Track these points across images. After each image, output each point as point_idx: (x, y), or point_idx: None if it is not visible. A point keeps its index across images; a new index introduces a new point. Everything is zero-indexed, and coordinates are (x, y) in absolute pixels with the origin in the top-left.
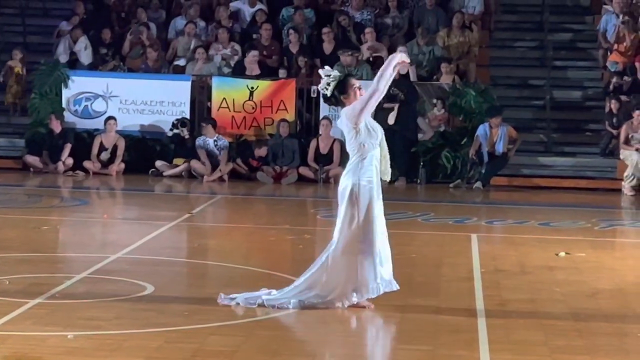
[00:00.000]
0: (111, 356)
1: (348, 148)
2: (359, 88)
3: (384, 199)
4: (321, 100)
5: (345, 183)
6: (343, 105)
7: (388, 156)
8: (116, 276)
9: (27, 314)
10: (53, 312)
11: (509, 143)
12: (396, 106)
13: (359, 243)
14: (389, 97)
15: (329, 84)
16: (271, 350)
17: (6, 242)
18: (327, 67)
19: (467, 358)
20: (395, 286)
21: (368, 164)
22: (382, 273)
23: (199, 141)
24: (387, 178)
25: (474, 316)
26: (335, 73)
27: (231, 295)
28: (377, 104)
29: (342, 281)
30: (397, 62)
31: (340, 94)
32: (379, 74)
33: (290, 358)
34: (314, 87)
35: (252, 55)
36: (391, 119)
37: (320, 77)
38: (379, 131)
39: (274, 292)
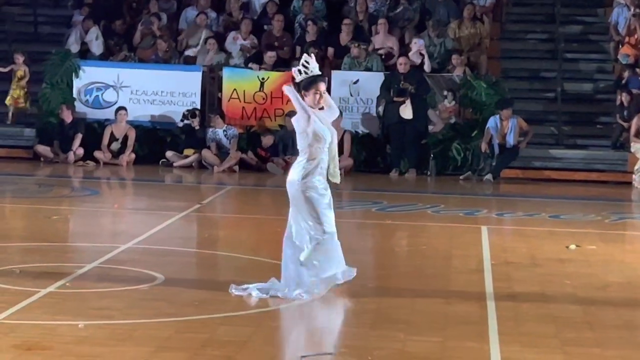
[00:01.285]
0: (121, 345)
1: (298, 145)
2: (321, 93)
3: (394, 191)
4: (332, 91)
5: (291, 179)
6: (302, 96)
7: (337, 159)
8: (126, 266)
9: (37, 303)
10: (63, 302)
11: (520, 135)
12: (407, 100)
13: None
14: (398, 91)
15: (305, 72)
16: (280, 341)
17: (17, 232)
18: (312, 56)
19: (477, 350)
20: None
21: (315, 166)
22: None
23: (209, 133)
24: (337, 180)
25: (484, 308)
26: (314, 69)
27: (243, 286)
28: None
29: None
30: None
31: (303, 89)
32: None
33: (298, 349)
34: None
35: (269, 56)
36: (407, 114)
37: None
38: (329, 136)
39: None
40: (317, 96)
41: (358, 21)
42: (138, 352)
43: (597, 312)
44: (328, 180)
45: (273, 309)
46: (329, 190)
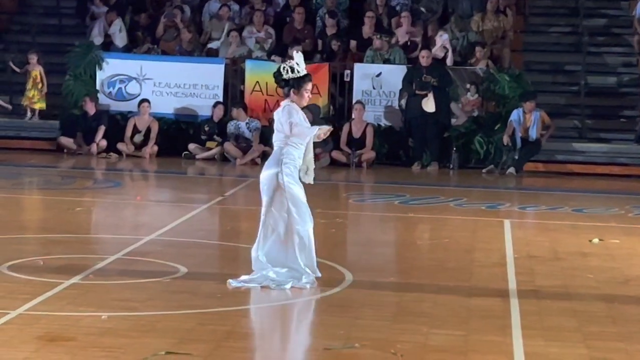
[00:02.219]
0: (144, 337)
1: (274, 138)
2: (309, 93)
3: (417, 184)
4: (355, 84)
5: (267, 173)
6: (288, 94)
7: (312, 159)
8: (149, 258)
9: (61, 295)
10: (87, 293)
11: (542, 129)
12: (430, 94)
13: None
14: (421, 84)
15: (292, 71)
16: (303, 333)
17: (40, 223)
18: (300, 54)
19: (499, 343)
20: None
21: (290, 160)
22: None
23: (230, 127)
24: (309, 181)
25: (506, 302)
26: (302, 66)
27: (241, 278)
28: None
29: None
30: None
31: (293, 87)
32: (304, 133)
33: (322, 341)
34: (347, 71)
35: (296, 50)
36: (429, 107)
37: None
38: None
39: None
40: (306, 94)
41: (378, 14)
42: (161, 343)
43: (620, 307)
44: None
45: (296, 301)
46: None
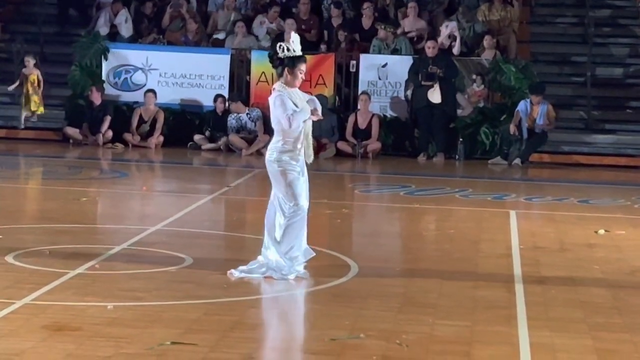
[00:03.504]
0: (150, 327)
1: (273, 123)
2: (303, 75)
3: (423, 175)
4: (360, 75)
5: (269, 159)
6: (281, 74)
7: (311, 139)
8: (155, 248)
9: (67, 284)
10: (93, 283)
11: (548, 123)
12: (436, 84)
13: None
14: (427, 75)
15: (288, 50)
16: (309, 324)
17: (46, 213)
18: (297, 37)
19: (505, 334)
20: (311, 253)
21: (290, 145)
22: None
23: (231, 121)
24: (309, 160)
25: (512, 292)
26: (298, 48)
27: (240, 268)
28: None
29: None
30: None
31: (287, 66)
32: (294, 117)
33: (327, 332)
34: (352, 62)
35: (289, 24)
36: (435, 98)
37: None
38: (303, 123)
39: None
40: (300, 75)
41: (385, 5)
42: (167, 333)
43: (626, 298)
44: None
45: (301, 291)
46: (305, 169)
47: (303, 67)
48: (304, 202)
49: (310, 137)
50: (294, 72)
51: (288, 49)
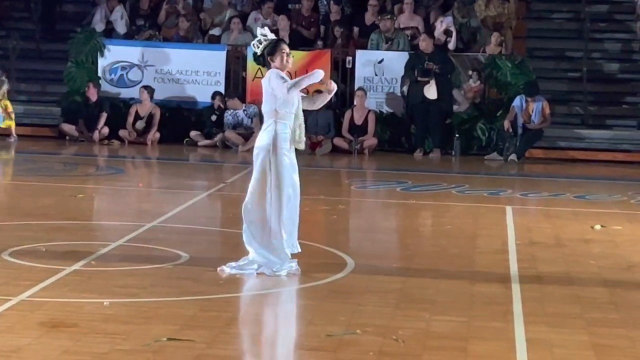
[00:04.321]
0: (146, 323)
1: (264, 109)
2: (288, 54)
3: (419, 171)
4: (356, 71)
5: (258, 145)
6: (269, 66)
7: (303, 125)
8: (151, 244)
9: (63, 281)
10: (89, 279)
11: (543, 120)
12: (432, 80)
13: (268, 205)
14: (422, 71)
15: (260, 43)
16: (305, 320)
17: (43, 210)
18: (266, 28)
19: (502, 330)
20: (297, 249)
21: (281, 130)
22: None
23: (228, 118)
24: (301, 147)
25: (509, 288)
26: (270, 35)
27: (230, 264)
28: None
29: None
30: (318, 81)
31: (269, 55)
32: (299, 81)
33: (324, 328)
34: (349, 58)
35: (282, 19)
36: (431, 94)
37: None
38: (296, 102)
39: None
40: (285, 56)
41: (383, 0)
42: (163, 330)
43: (622, 293)
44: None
45: (298, 287)
46: (293, 155)
47: (285, 47)
48: (290, 190)
49: (301, 121)
50: (275, 58)
51: (260, 42)
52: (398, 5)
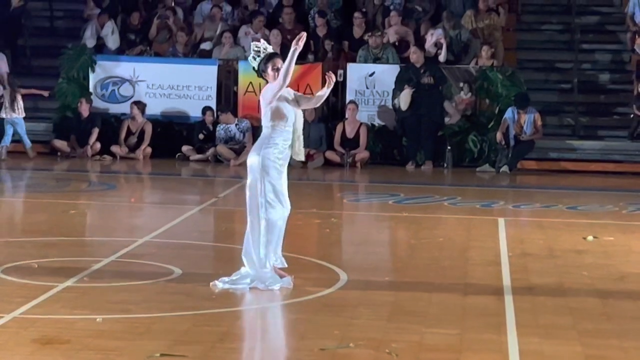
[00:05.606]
0: (139, 339)
1: (262, 122)
2: (279, 69)
3: (411, 183)
4: (348, 84)
5: (253, 156)
6: (265, 79)
7: (302, 137)
8: (144, 260)
9: (55, 297)
10: (82, 296)
11: (534, 132)
12: (408, 89)
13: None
14: (417, 84)
15: (258, 55)
16: (298, 334)
17: (35, 226)
18: (262, 41)
19: (495, 342)
20: (283, 263)
21: (276, 143)
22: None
23: (220, 132)
24: (300, 158)
25: (501, 300)
26: (268, 49)
27: (222, 279)
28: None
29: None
30: (296, 48)
31: (262, 70)
32: (283, 69)
33: (317, 342)
34: (340, 71)
35: (274, 35)
36: (403, 103)
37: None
38: (292, 115)
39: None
40: (276, 72)
41: (373, 13)
42: (156, 345)
43: (615, 304)
44: (292, 159)
45: (291, 302)
46: (285, 168)
47: (279, 62)
48: (286, 203)
49: (300, 133)
50: (267, 73)
51: (258, 55)
52: (388, 18)
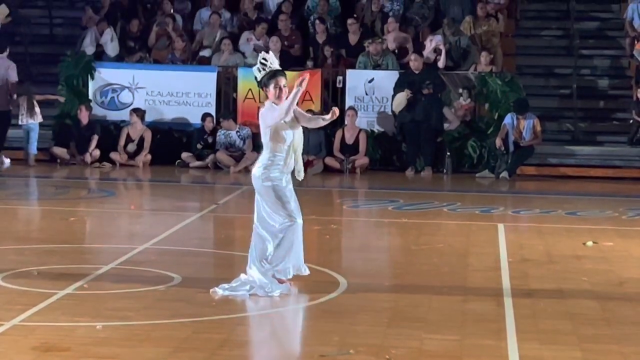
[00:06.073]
0: (140, 346)
1: (262, 140)
2: (282, 87)
3: (411, 189)
4: (347, 90)
5: (255, 174)
6: (265, 93)
7: (301, 158)
8: (144, 267)
9: (55, 305)
10: (82, 303)
11: (534, 137)
12: (404, 92)
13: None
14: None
15: (264, 69)
16: (298, 340)
17: (34, 234)
18: (270, 53)
19: (495, 347)
20: (303, 271)
21: (276, 162)
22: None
23: (220, 137)
24: (299, 178)
25: (501, 306)
26: (274, 64)
27: (222, 286)
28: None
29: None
30: (299, 89)
31: (264, 85)
32: (286, 105)
33: (317, 348)
34: (339, 78)
35: (274, 42)
36: (396, 106)
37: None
38: (291, 137)
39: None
40: (277, 90)
41: (372, 20)
42: (156, 352)
43: (614, 309)
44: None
45: (290, 308)
46: (290, 185)
47: (282, 80)
48: (299, 217)
49: (299, 152)
50: (269, 89)
51: (264, 68)
52: (386, 25)
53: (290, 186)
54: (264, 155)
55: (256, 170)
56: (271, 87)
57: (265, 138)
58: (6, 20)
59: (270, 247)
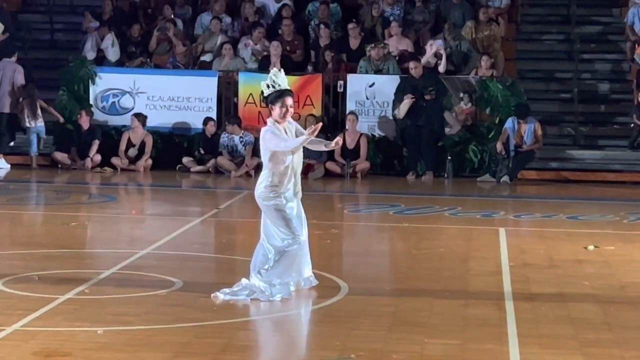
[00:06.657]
0: (141, 351)
1: (262, 159)
2: (289, 108)
3: (412, 194)
4: (348, 95)
5: (256, 193)
6: (270, 110)
7: (299, 176)
8: (145, 272)
9: (56, 310)
10: (82, 308)
11: (535, 142)
12: (408, 99)
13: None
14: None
15: (273, 86)
16: (300, 345)
17: (35, 239)
18: (281, 71)
19: (496, 352)
20: (311, 283)
21: (277, 180)
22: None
23: (224, 139)
24: (298, 197)
25: (502, 310)
26: (283, 84)
27: (224, 290)
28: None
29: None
30: (308, 137)
31: (270, 103)
32: (292, 146)
33: (318, 352)
34: (340, 82)
35: (275, 47)
36: (401, 112)
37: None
38: (290, 158)
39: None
40: (284, 110)
41: (373, 25)
42: (157, 357)
43: (616, 313)
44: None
45: (292, 313)
46: (295, 202)
47: (289, 101)
48: (301, 234)
49: (299, 174)
50: (275, 108)
51: (273, 85)
52: (387, 29)
53: (292, 203)
54: (264, 175)
55: (257, 189)
56: (277, 106)
57: (264, 158)
58: (3, 36)
59: (272, 261)
